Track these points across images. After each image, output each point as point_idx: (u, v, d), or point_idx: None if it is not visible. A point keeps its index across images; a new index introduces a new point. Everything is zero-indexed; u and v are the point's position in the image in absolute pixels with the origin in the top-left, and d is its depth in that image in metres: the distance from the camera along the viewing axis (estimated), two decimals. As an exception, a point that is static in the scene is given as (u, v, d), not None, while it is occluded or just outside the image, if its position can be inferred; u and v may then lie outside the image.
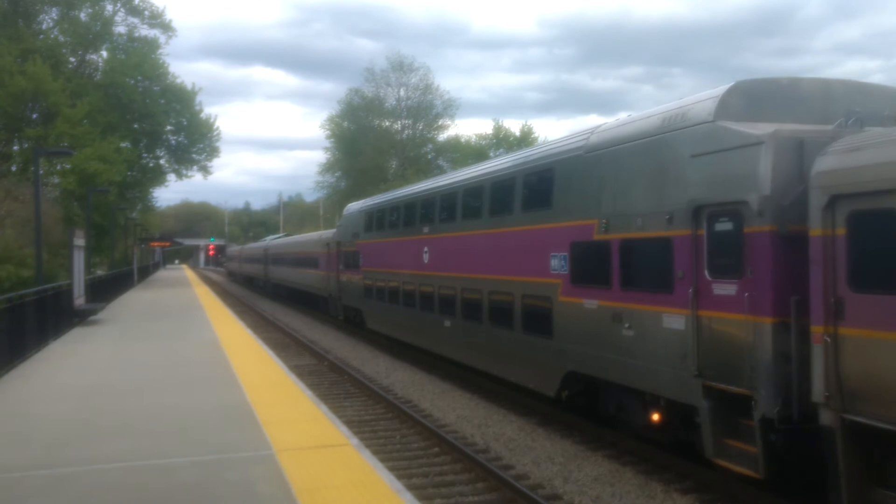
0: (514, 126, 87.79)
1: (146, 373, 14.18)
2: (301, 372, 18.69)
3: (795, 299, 8.49)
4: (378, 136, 73.92)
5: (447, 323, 18.44)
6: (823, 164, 8.24)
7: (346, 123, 75.27)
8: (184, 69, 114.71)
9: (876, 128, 9.06)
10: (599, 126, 13.15)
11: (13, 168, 43.30)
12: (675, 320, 10.17)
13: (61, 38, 46.34)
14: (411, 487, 9.52)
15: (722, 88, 10.21)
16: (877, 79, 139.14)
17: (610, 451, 12.27)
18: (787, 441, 8.61)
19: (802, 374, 8.36)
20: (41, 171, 26.66)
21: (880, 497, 7.65)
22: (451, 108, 75.03)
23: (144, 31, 48.45)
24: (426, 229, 20.34)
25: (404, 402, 16.60)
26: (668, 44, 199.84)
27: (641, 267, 11.17)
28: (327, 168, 77.85)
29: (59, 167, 41.24)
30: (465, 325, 17.50)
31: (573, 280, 12.80)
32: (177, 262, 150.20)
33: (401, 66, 74.17)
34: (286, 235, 63.51)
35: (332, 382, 19.40)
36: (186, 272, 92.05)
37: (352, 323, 29.58)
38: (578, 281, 12.66)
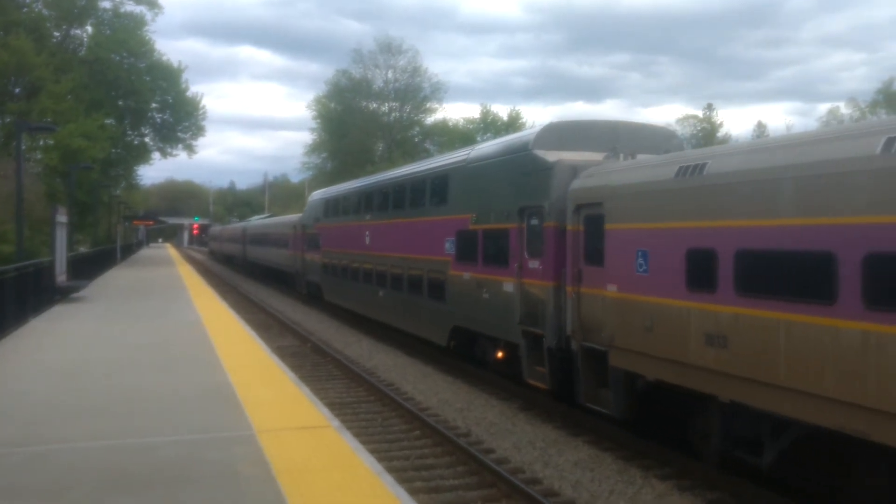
0: (501, 111, 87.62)
1: (127, 352, 14.11)
2: (283, 353, 18.68)
3: (563, 270, 12.78)
4: (365, 117, 73.56)
5: (381, 293, 22.61)
6: (575, 184, 12.67)
7: (333, 104, 74.82)
8: (169, 47, 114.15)
9: (620, 157, 13.32)
10: (478, 144, 18.43)
11: (-5, 143, 42.75)
12: (509, 286, 14.52)
13: (45, 12, 45.60)
14: (392, 470, 9.56)
15: (539, 126, 15.19)
16: (861, 72, 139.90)
17: (590, 436, 12.36)
18: (562, 363, 12.79)
19: (566, 319, 12.63)
20: (24, 147, 26.31)
21: (602, 393, 11.88)
22: (438, 91, 74.94)
23: (130, 6, 47.82)
24: (368, 216, 24.62)
25: (386, 384, 16.64)
26: (656, 32, 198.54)
27: (493, 249, 15.33)
28: (313, 149, 77.50)
29: (41, 143, 40.76)
30: (392, 295, 21.64)
31: (457, 258, 17.06)
32: (160, 240, 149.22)
33: (389, 48, 73.84)
34: (271, 216, 63.36)
35: (314, 364, 19.40)
36: (170, 251, 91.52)
37: (312, 297, 33.62)
38: (460, 259, 16.91)
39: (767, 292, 8.51)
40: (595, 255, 11.82)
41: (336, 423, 9.01)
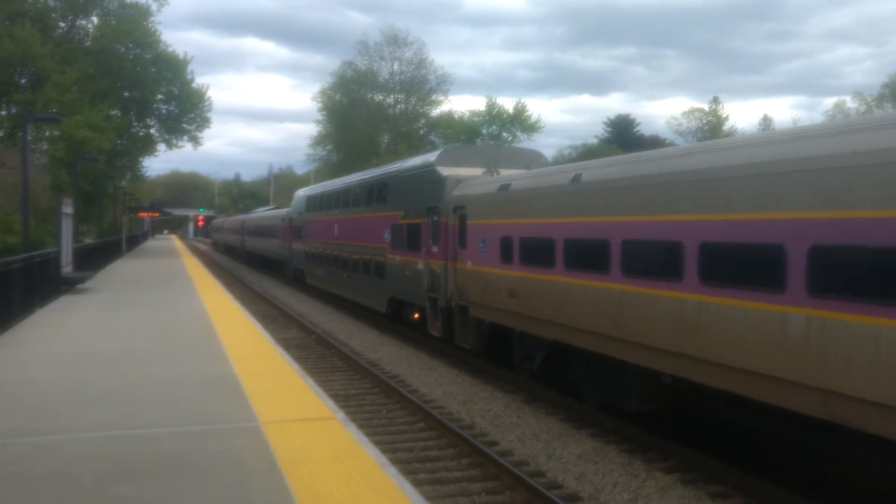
0: (507, 104, 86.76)
1: (133, 342, 14.14)
2: (288, 345, 18.71)
3: (449, 252, 17.71)
4: (370, 109, 73.33)
5: (345, 275, 27.93)
6: (454, 192, 17.76)
7: (338, 96, 74.50)
8: (174, 38, 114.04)
9: (492, 173, 18.50)
10: (408, 159, 24.53)
11: (0, 133, 42.76)
12: (421, 265, 19.51)
13: (51, 2, 45.55)
14: (396, 462, 9.56)
15: (440, 149, 21.92)
16: (866, 66, 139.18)
17: (594, 429, 12.35)
18: (448, 318, 18.02)
19: (449, 286, 17.79)
20: (29, 138, 26.32)
21: (470, 335, 17.00)
22: (444, 83, 74.57)
23: (136, -3, 47.57)
24: (336, 212, 29.96)
25: (391, 377, 16.66)
26: (661, 25, 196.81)
27: (412, 238, 20.20)
28: (318, 141, 77.21)
29: (47, 134, 40.72)
30: (352, 275, 26.84)
31: (392, 246, 22.12)
32: (166, 232, 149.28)
33: (395, 40, 73.56)
34: (275, 208, 63.57)
35: (319, 356, 19.43)
36: (175, 242, 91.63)
37: (297, 280, 38.35)
38: (394, 246, 21.95)
39: (534, 263, 13.63)
40: (463, 241, 17.01)
41: (341, 414, 9.02)
